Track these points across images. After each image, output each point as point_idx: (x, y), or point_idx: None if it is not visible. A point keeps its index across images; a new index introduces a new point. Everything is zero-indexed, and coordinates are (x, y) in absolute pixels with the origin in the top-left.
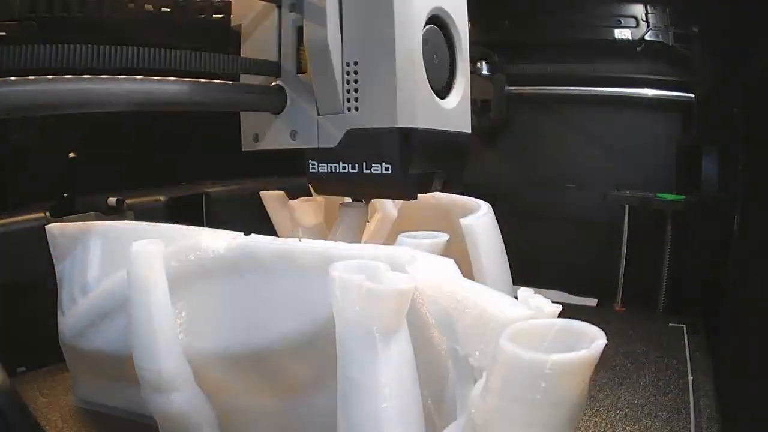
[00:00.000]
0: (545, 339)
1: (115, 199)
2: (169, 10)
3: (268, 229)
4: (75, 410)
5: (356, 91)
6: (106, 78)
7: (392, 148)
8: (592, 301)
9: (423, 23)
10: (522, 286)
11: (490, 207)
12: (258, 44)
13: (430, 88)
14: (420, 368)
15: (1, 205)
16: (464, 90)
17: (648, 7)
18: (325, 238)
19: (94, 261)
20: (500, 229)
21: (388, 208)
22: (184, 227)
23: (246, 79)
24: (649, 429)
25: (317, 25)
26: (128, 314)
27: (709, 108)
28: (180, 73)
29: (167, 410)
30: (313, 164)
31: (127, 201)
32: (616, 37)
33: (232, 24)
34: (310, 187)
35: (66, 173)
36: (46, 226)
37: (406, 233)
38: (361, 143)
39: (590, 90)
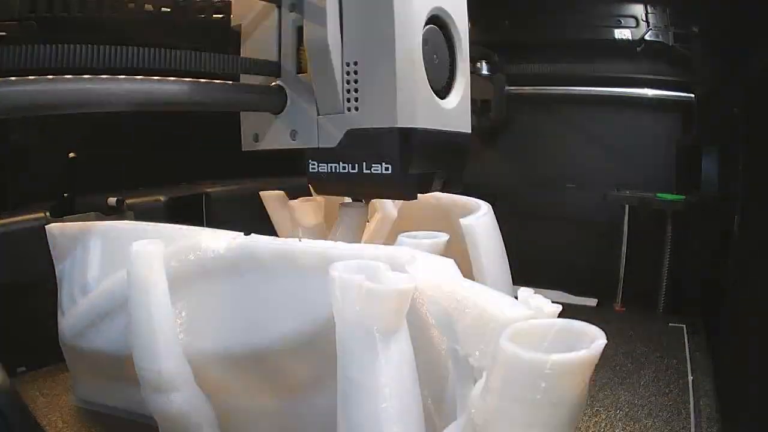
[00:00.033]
0: (545, 339)
1: (115, 199)
2: (169, 10)
3: (268, 229)
4: (75, 410)
5: (356, 91)
6: (106, 78)
7: (392, 148)
8: (592, 301)
9: (423, 23)
10: (522, 286)
11: (490, 207)
12: (258, 44)
13: (430, 88)
14: (420, 368)
15: (1, 205)
16: (464, 90)
17: (648, 7)
18: (325, 238)
19: (94, 261)
20: (500, 229)
21: (388, 208)
22: (184, 227)
23: (246, 79)
24: (649, 429)
25: (317, 24)
26: (128, 314)
27: (709, 108)
28: (180, 73)
29: (167, 410)
30: (313, 164)
31: (127, 201)
32: (616, 37)
33: (232, 24)
34: (310, 187)
35: (66, 173)
36: (46, 226)
37: (406, 233)
38: (361, 143)
39: (590, 90)
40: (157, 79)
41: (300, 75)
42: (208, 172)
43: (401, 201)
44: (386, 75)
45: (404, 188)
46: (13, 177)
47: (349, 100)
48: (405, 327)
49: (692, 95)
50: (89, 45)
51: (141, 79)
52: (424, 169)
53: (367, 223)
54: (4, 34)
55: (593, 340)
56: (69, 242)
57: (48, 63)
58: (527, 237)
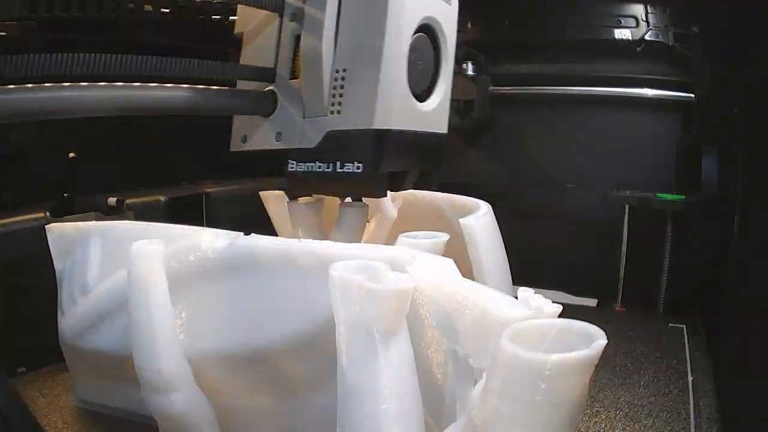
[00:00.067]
0: (545, 339)
1: (115, 199)
2: (168, 10)
3: (268, 229)
4: (75, 410)
5: (341, 96)
6: (106, 85)
7: (365, 148)
8: (592, 302)
9: (412, 32)
10: (522, 286)
11: (490, 207)
12: (257, 51)
13: (410, 91)
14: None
15: (1, 205)
16: (444, 93)
17: (648, 7)
18: (325, 238)
19: (94, 261)
20: (500, 229)
21: (388, 208)
22: (184, 227)
23: (241, 82)
24: (649, 429)
25: (314, 34)
26: (128, 314)
27: (709, 108)
28: (183, 80)
29: (167, 410)
30: (292, 164)
31: (127, 201)
32: (616, 37)
33: (235, 32)
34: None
35: (66, 173)
36: (46, 226)
37: (406, 233)
38: (338, 144)
39: (590, 90)
40: (155, 86)
41: (292, 81)
42: (208, 172)
43: (401, 201)
44: (370, 81)
45: (374, 186)
46: (13, 177)
47: (333, 104)
48: (405, 328)
49: (692, 95)
50: (90, 54)
51: (138, 86)
52: (395, 168)
53: (367, 224)
54: (4, 34)
55: (593, 340)
56: (69, 242)
57: (49, 70)
58: (527, 237)
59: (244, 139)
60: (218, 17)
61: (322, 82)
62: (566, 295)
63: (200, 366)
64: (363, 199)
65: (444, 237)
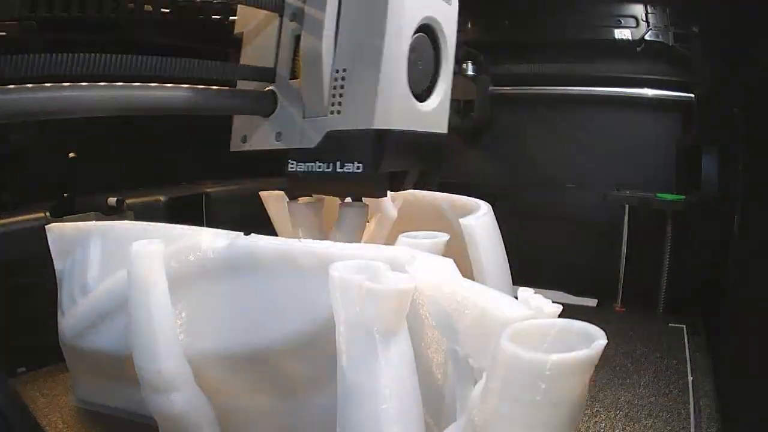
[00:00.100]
0: (545, 339)
1: (115, 199)
2: (168, 10)
3: (268, 229)
4: (75, 410)
5: (341, 96)
6: (106, 85)
7: (365, 148)
8: (592, 302)
9: (412, 32)
10: (522, 286)
11: (490, 207)
12: (257, 51)
13: (410, 92)
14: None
15: (1, 205)
16: (444, 93)
17: (648, 7)
18: (325, 238)
19: (94, 261)
20: (500, 229)
21: (388, 208)
22: (184, 227)
23: (242, 83)
24: (649, 429)
25: (314, 34)
26: (128, 314)
27: (709, 108)
28: (183, 80)
29: (167, 410)
30: (292, 164)
31: (127, 201)
32: (616, 37)
33: (235, 32)
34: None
35: (66, 173)
36: (46, 226)
37: (406, 233)
38: (338, 144)
39: (590, 90)
40: (156, 86)
41: (291, 81)
42: (208, 172)
43: (401, 201)
44: (370, 81)
45: (374, 186)
46: (13, 177)
47: (333, 104)
48: (405, 328)
49: (692, 95)
50: (91, 54)
51: (138, 86)
52: (395, 168)
53: (367, 224)
54: (4, 34)
55: (594, 340)
56: (69, 242)
57: (51, 70)
58: (527, 237)
59: (244, 139)
60: (218, 17)
61: (322, 82)
62: (566, 295)
63: (200, 366)
64: (363, 199)
65: (444, 237)
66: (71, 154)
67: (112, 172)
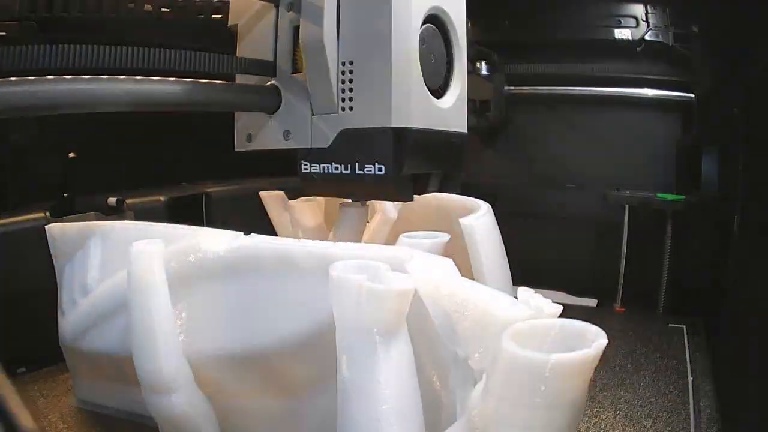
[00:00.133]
0: (546, 339)
1: (115, 199)
2: (168, 10)
3: (268, 229)
4: (75, 411)
5: (351, 90)
6: (104, 78)
7: (385, 148)
8: (592, 302)
9: (420, 22)
10: (522, 286)
11: (490, 207)
12: (254, 44)
13: (425, 87)
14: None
15: (1, 205)
16: (461, 90)
17: (648, 7)
18: (325, 239)
19: (94, 261)
20: (500, 229)
21: (388, 208)
22: (184, 227)
23: (241, 78)
24: (649, 429)
25: (314, 24)
26: (128, 315)
27: (709, 108)
28: (178, 74)
29: (167, 411)
30: (305, 164)
31: (127, 201)
32: (616, 37)
33: (229, 24)
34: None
35: (66, 173)
36: (46, 226)
37: (406, 233)
38: (355, 143)
39: (590, 90)
40: (154, 80)
41: (295, 75)
42: (208, 172)
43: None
44: (382, 74)
45: (399, 189)
46: (13, 177)
47: (343, 100)
48: (405, 328)
49: (692, 95)
50: (87, 45)
51: (139, 79)
52: (418, 170)
53: (367, 224)
54: (4, 34)
55: (594, 340)
56: (69, 242)
57: (47, 63)
58: (527, 237)
59: (250, 138)
60: (218, 17)
61: (328, 75)
62: (566, 295)
63: (200, 366)
64: None
65: (444, 237)
66: (71, 154)
67: (112, 172)
